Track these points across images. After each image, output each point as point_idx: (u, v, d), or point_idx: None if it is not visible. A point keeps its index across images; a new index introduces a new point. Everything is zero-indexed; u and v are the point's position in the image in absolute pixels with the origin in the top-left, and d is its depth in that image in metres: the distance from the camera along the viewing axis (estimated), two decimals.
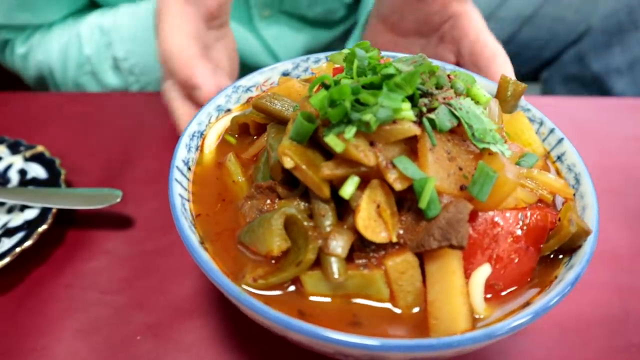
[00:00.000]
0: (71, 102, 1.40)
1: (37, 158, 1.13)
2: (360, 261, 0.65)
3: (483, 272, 0.64)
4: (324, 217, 0.64)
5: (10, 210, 1.03)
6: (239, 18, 1.51)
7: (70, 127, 1.31)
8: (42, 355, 0.85)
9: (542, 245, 0.69)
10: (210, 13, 1.03)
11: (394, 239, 0.64)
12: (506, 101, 0.88)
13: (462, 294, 0.61)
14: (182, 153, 0.81)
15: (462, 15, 1.18)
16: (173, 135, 1.28)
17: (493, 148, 0.66)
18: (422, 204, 0.61)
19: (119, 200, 1.00)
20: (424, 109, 0.66)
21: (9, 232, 0.98)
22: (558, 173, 0.83)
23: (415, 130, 0.63)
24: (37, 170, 1.11)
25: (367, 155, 0.61)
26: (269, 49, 1.58)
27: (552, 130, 0.87)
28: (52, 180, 1.08)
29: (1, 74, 1.70)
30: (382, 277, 0.63)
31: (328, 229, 0.64)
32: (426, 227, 0.63)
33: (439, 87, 0.71)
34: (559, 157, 0.84)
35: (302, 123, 0.64)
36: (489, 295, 0.66)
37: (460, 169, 0.65)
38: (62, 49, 1.50)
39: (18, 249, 0.92)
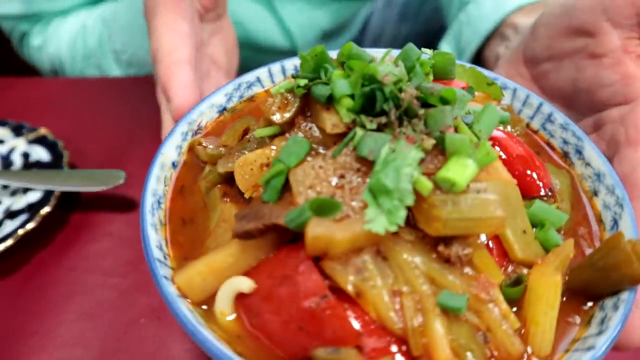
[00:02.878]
0: (74, 87, 1.38)
1: (40, 141, 1.12)
2: None
3: None
4: None
5: (14, 193, 1.02)
6: None
7: (73, 112, 1.29)
8: (45, 337, 0.84)
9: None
10: (204, 6, 0.97)
11: None
12: None
13: None
14: (153, 184, 0.70)
15: None
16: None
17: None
18: None
19: (122, 181, 0.98)
20: None
21: (12, 215, 0.97)
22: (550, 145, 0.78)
23: None
24: (40, 153, 1.10)
25: None
26: (285, 29, 1.54)
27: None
28: (55, 163, 1.07)
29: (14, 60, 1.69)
30: None
31: None
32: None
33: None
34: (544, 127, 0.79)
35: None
36: None
37: None
38: (71, 40, 1.48)
39: (21, 231, 0.91)
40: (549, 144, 0.78)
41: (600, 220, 0.68)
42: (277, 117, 0.64)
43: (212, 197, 0.68)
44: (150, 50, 0.90)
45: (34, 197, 0.99)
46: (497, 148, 0.67)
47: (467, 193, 0.53)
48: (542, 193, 0.67)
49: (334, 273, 0.52)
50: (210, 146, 0.72)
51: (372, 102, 0.57)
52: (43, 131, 1.13)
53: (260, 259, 0.57)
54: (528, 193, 0.66)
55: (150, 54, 0.91)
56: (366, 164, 0.55)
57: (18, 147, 1.11)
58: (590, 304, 0.60)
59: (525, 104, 0.81)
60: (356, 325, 0.52)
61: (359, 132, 0.56)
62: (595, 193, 0.70)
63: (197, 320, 0.54)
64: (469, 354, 0.52)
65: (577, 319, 0.59)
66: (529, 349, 0.55)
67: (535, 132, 0.80)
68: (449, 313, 0.53)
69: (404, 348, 0.52)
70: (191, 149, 0.75)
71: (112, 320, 0.86)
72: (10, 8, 1.44)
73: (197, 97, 0.84)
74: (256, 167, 0.62)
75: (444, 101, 0.57)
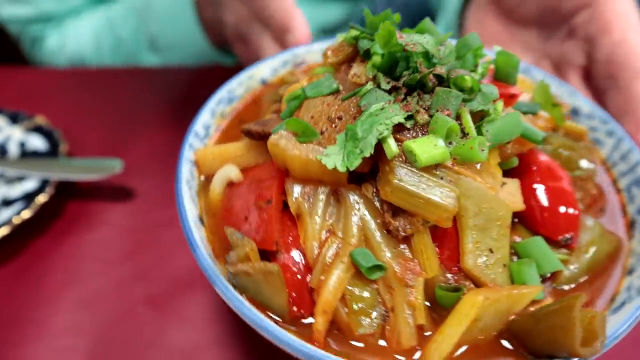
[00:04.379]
0: (73, 77, 1.37)
1: (37, 130, 1.11)
2: None
3: None
4: None
5: (10, 181, 1.01)
6: None
7: (71, 101, 1.28)
8: (41, 326, 0.84)
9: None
10: None
11: None
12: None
13: None
14: (205, 117, 0.77)
15: (605, 3, 0.87)
16: (176, 110, 1.26)
17: None
18: None
19: (117, 170, 0.97)
20: None
21: (8, 203, 0.96)
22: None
23: None
24: (36, 142, 1.09)
25: None
26: None
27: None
28: (52, 152, 1.06)
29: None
30: None
31: None
32: None
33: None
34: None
35: None
36: None
37: None
38: (95, 35, 1.47)
39: (16, 219, 0.90)
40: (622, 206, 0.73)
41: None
42: (330, 57, 0.70)
43: (267, 110, 0.79)
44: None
45: (30, 185, 0.98)
46: (535, 169, 0.66)
47: (431, 174, 0.54)
48: (560, 238, 0.63)
49: (287, 189, 0.59)
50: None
51: (395, 65, 0.60)
52: (39, 120, 1.12)
53: (259, 162, 0.67)
54: (543, 228, 0.63)
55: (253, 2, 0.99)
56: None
57: (14, 135, 1.10)
58: None
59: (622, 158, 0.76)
60: (279, 237, 0.58)
61: (369, 86, 0.60)
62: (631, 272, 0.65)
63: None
64: (362, 317, 0.55)
65: None
66: (420, 352, 0.54)
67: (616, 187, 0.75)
68: (360, 273, 0.56)
69: (308, 278, 0.57)
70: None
71: (109, 309, 0.86)
72: (20, 11, 1.43)
73: (310, 34, 0.96)
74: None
75: (459, 87, 0.58)
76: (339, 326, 0.57)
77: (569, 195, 0.65)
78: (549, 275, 0.63)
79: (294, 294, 0.57)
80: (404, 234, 0.55)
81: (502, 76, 0.69)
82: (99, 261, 0.93)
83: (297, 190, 0.59)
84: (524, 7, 1.00)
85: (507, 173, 0.63)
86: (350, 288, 0.56)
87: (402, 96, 0.58)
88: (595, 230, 0.66)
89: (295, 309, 0.56)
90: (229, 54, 1.38)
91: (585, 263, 0.64)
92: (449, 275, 0.57)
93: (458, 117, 0.57)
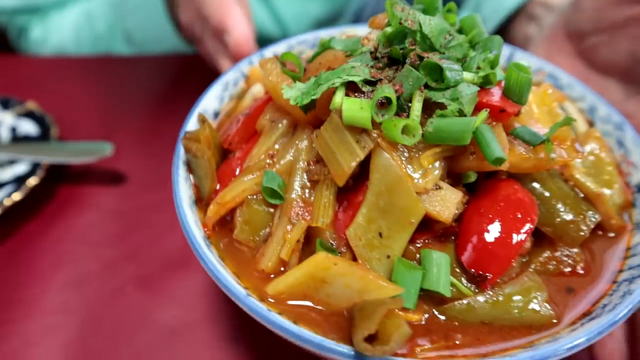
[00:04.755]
0: (62, 65, 1.37)
1: (28, 115, 1.11)
2: None
3: None
4: None
5: (1, 165, 1.02)
6: None
7: (62, 88, 1.29)
8: (31, 305, 0.84)
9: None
10: None
11: None
12: None
13: None
14: (210, 102, 0.76)
15: None
16: (167, 96, 1.27)
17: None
18: None
19: (108, 152, 0.98)
20: None
21: None
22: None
23: None
24: (27, 127, 1.09)
25: None
26: (278, 18, 1.54)
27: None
28: (43, 137, 1.06)
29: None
30: None
31: None
32: None
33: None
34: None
35: None
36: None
37: None
38: (75, 28, 1.48)
39: (7, 201, 0.91)
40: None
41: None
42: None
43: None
44: None
45: (21, 169, 0.99)
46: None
47: (352, 135, 0.55)
48: (473, 271, 0.58)
49: (264, 110, 0.67)
50: None
51: (403, 38, 0.61)
52: (31, 105, 1.13)
53: None
54: (461, 252, 0.59)
55: (193, 2, 0.96)
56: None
57: (5, 120, 1.11)
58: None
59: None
60: (237, 141, 0.68)
61: (364, 49, 0.63)
62: None
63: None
64: (246, 228, 0.63)
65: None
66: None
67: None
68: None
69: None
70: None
71: (98, 289, 0.87)
72: (8, 1, 1.44)
73: (252, 31, 0.91)
74: None
75: (427, 72, 0.57)
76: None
77: (510, 237, 0.57)
78: (438, 295, 0.57)
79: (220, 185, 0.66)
80: (312, 178, 0.60)
81: (511, 94, 0.60)
82: (89, 243, 0.94)
83: (268, 113, 0.67)
84: (612, 52, 0.83)
85: (472, 188, 0.61)
86: (251, 199, 0.62)
87: (381, 65, 0.59)
88: (526, 291, 0.58)
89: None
90: None
91: (485, 311, 0.57)
92: (334, 236, 0.59)
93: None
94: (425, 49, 0.60)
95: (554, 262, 0.63)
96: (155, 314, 0.83)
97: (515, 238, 0.57)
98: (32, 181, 0.95)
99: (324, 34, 0.88)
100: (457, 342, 0.55)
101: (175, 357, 0.79)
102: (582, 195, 0.68)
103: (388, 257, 0.56)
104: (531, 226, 0.58)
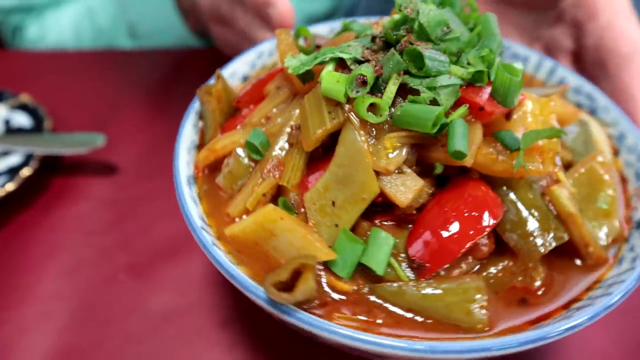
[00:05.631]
0: (57, 59, 1.38)
1: (22, 107, 1.13)
2: None
3: None
4: None
5: None
6: None
7: (55, 82, 1.30)
8: (25, 292, 0.86)
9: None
10: None
11: None
12: None
13: None
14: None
15: None
16: (160, 90, 1.28)
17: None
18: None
19: (101, 143, 1.00)
20: None
21: None
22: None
23: None
24: (21, 120, 1.11)
25: None
26: None
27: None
28: (37, 129, 1.08)
29: None
30: None
31: None
32: None
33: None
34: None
35: None
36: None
37: None
38: (75, 25, 1.48)
39: (0, 192, 0.93)
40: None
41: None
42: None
43: None
44: None
45: (14, 160, 1.00)
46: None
47: (327, 105, 0.59)
48: (414, 258, 0.58)
49: (275, 77, 0.72)
50: None
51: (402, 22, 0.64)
52: (24, 98, 1.14)
53: None
54: (409, 237, 0.60)
55: None
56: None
57: None
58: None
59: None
60: (245, 101, 0.75)
61: (369, 32, 0.68)
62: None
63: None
64: (228, 176, 0.68)
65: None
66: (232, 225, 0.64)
67: None
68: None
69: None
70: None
71: (91, 276, 0.88)
72: (2, 0, 1.44)
73: (292, 5, 0.92)
74: None
75: (409, 58, 0.58)
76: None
77: (458, 233, 0.57)
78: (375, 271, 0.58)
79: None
80: (290, 141, 0.65)
81: (496, 95, 0.59)
82: (82, 232, 0.96)
83: (277, 80, 0.71)
84: None
85: (444, 182, 0.61)
86: (238, 151, 0.68)
87: (376, 47, 0.63)
88: (464, 291, 0.57)
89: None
90: (208, 41, 1.40)
91: (414, 299, 0.57)
92: (297, 198, 0.62)
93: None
94: (422, 38, 0.61)
95: (510, 273, 0.61)
96: (147, 300, 0.85)
97: (463, 235, 0.57)
98: (26, 172, 0.97)
99: (321, 29, 0.90)
100: (378, 321, 0.56)
101: (167, 342, 0.80)
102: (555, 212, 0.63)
103: (336, 226, 0.58)
104: (484, 227, 0.57)
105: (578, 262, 0.65)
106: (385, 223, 0.60)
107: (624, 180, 0.74)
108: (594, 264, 0.64)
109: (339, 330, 0.51)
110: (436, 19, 0.61)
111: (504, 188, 0.62)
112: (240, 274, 0.56)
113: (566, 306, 0.60)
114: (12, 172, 0.98)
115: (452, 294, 0.57)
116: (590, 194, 0.66)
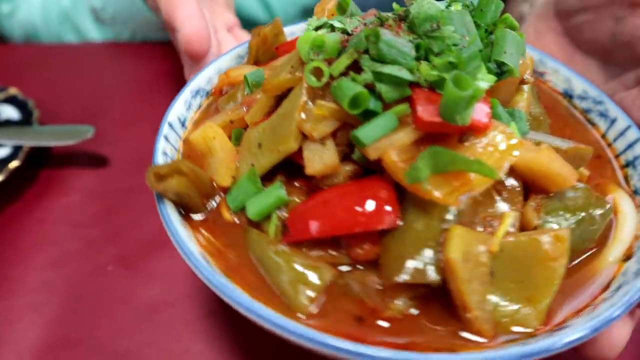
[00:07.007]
0: (45, 53, 1.38)
1: (10, 100, 1.12)
2: None
3: None
4: None
5: None
6: None
7: (44, 76, 1.30)
8: (13, 283, 0.86)
9: None
10: None
11: None
12: None
13: None
14: (179, 108, 0.74)
15: None
16: (147, 82, 1.28)
17: None
18: None
19: (89, 135, 1.00)
20: None
21: None
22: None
23: None
24: (9, 112, 1.10)
25: None
26: (266, 4, 1.52)
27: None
28: (25, 122, 1.07)
29: None
30: None
31: None
32: None
33: None
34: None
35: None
36: None
37: None
38: (43, 5, 1.46)
39: None
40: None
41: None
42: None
43: None
44: None
45: (2, 152, 1.00)
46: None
47: (294, 60, 0.62)
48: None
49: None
50: None
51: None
52: (13, 91, 1.14)
53: None
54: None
55: None
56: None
57: None
58: None
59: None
60: None
61: (380, 15, 0.67)
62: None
63: None
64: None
65: None
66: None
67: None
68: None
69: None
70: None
71: (80, 267, 0.88)
72: None
73: (205, 26, 0.83)
74: None
75: (376, 46, 0.58)
76: None
77: (330, 218, 0.55)
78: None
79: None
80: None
81: (443, 108, 0.51)
82: (71, 224, 0.96)
83: (285, 57, 0.71)
84: (594, 31, 0.82)
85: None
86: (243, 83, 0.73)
87: (372, 25, 0.63)
88: (297, 273, 0.56)
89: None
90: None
91: (263, 254, 0.58)
92: None
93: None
94: (412, 29, 0.59)
95: (365, 287, 0.56)
96: (136, 292, 0.85)
97: (328, 219, 0.55)
98: (14, 164, 0.97)
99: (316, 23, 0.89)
100: (229, 259, 0.60)
101: (156, 333, 0.81)
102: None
103: (252, 165, 0.62)
104: (356, 226, 0.53)
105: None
106: (299, 188, 0.62)
107: None
108: (474, 333, 0.53)
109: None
110: (428, 13, 0.58)
111: (413, 203, 0.54)
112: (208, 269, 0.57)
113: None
114: (1, 164, 0.97)
115: (291, 269, 0.56)
116: (519, 268, 0.54)
